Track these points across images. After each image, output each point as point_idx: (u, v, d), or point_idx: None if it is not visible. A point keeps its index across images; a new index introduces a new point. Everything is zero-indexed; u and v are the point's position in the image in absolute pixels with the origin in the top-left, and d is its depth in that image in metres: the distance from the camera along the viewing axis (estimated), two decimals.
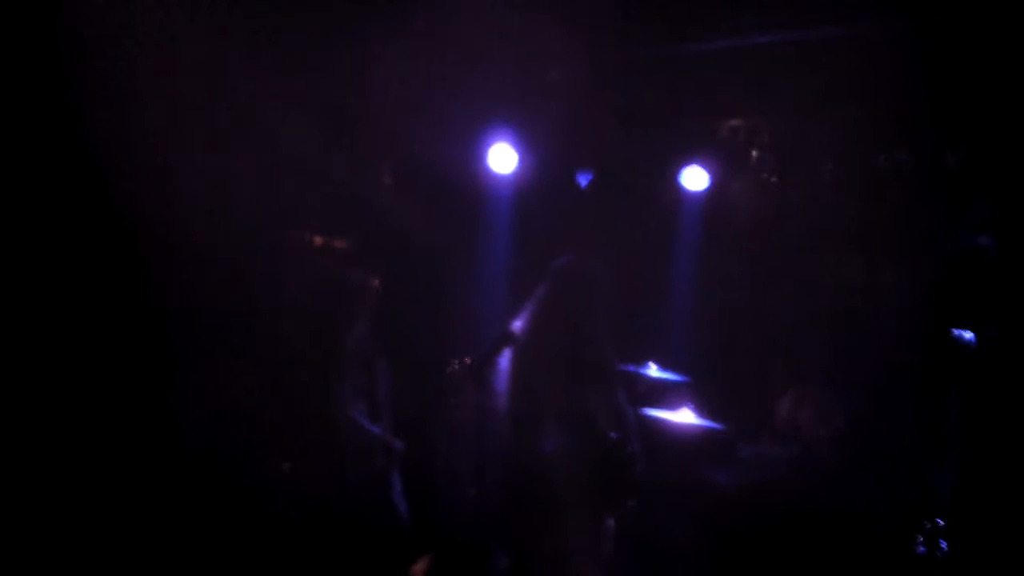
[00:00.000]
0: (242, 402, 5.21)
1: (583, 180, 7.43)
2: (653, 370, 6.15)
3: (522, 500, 5.08)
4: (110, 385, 4.94)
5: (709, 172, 7.18)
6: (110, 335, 4.99)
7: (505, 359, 5.19)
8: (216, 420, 5.20)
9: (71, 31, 4.73)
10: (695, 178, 7.21)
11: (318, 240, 6.11)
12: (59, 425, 4.75)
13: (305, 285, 5.60)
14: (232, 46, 5.34)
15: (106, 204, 4.96)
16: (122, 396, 4.98)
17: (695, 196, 7.34)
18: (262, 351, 5.32)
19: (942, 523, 4.75)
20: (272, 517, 4.98)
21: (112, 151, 4.90)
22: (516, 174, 7.31)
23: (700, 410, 6.12)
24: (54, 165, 4.80)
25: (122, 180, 4.95)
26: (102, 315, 4.96)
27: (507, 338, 5.06)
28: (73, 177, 4.87)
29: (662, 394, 6.32)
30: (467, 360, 6.49)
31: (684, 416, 6.07)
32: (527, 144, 7.20)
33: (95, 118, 4.83)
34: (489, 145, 7.16)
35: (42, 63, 4.72)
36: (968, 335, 5.22)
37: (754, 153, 7.18)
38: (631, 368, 6.02)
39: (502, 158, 7.19)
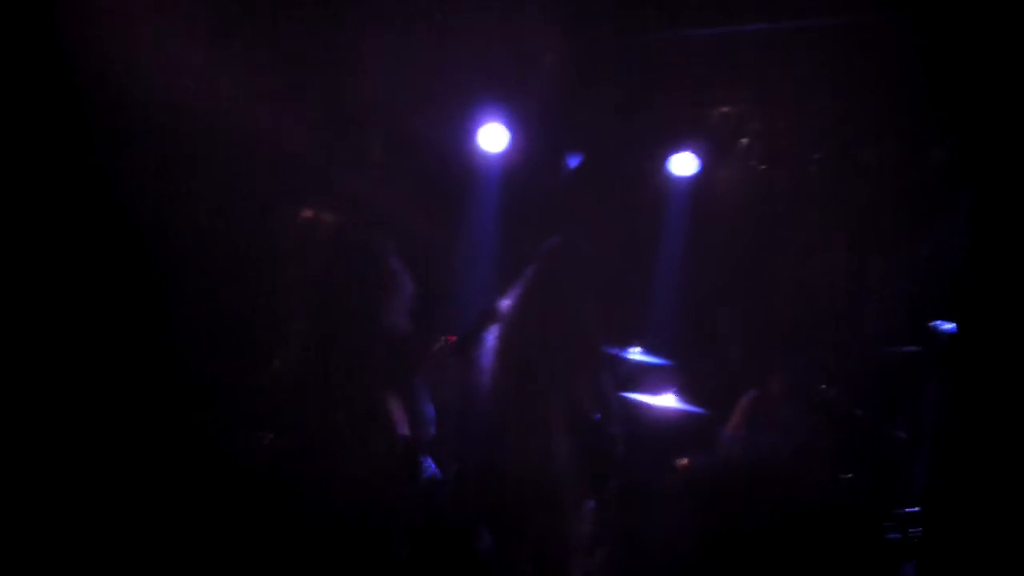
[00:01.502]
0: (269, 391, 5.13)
1: (572, 162, 7.44)
2: (636, 353, 6.18)
3: (504, 479, 5.11)
4: (123, 370, 4.93)
5: (698, 158, 7.21)
6: (119, 322, 4.97)
7: (491, 336, 5.20)
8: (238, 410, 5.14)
9: (69, 28, 4.72)
10: (684, 164, 7.25)
11: (308, 213, 6.05)
12: (65, 411, 4.74)
13: (325, 258, 5.40)
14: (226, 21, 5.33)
15: (109, 192, 4.95)
16: (139, 376, 4.96)
17: (683, 181, 7.37)
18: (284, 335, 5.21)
19: (915, 510, 4.80)
20: (295, 513, 4.91)
21: (112, 139, 4.90)
22: (506, 154, 7.32)
23: (683, 395, 6.15)
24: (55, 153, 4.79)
25: (125, 167, 4.95)
26: (112, 301, 4.94)
27: (492, 315, 5.08)
28: (74, 164, 4.86)
29: (645, 378, 6.35)
30: (452, 337, 6.50)
31: (667, 400, 6.11)
32: (518, 124, 7.20)
33: (95, 109, 4.83)
34: (480, 124, 7.16)
35: (37, 61, 4.71)
36: (947, 326, 5.28)
37: (743, 141, 7.20)
38: (615, 351, 6.05)
39: (493, 137, 7.19)
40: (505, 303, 5.28)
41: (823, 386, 6.00)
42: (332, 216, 5.92)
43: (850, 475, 5.66)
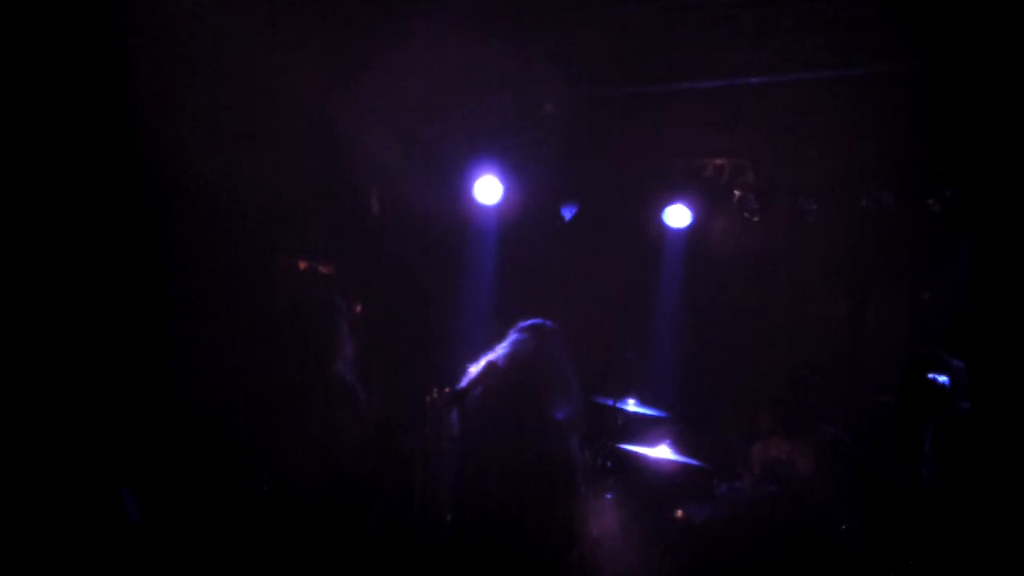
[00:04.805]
0: (228, 414, 5.18)
1: (568, 213, 7.47)
2: (632, 405, 6.17)
3: (495, 523, 5.12)
4: (97, 384, 4.93)
5: (692, 210, 7.24)
6: (103, 333, 4.98)
7: (476, 392, 5.24)
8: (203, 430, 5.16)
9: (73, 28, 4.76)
10: (678, 215, 7.28)
11: (302, 264, 6.12)
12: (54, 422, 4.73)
13: (290, 304, 5.55)
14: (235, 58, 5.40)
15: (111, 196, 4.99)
16: (109, 394, 4.97)
17: (679, 232, 7.40)
18: (248, 365, 5.29)
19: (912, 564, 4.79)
20: (255, 531, 4.94)
21: (122, 151, 4.96)
22: (501, 205, 7.36)
23: (678, 446, 6.14)
24: (58, 164, 4.81)
25: (126, 175, 5.00)
26: (96, 315, 4.96)
27: (459, 396, 5.12)
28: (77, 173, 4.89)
29: (641, 429, 6.33)
30: (447, 389, 6.49)
31: (662, 452, 6.09)
32: (513, 176, 7.24)
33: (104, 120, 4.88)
34: (476, 176, 7.21)
35: (39, 63, 4.73)
36: (943, 378, 5.30)
37: (737, 192, 7.25)
38: (610, 402, 6.04)
39: (488, 189, 7.23)
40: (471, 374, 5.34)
41: (828, 427, 6.01)
42: (327, 268, 5.98)
43: (850, 523, 5.65)
